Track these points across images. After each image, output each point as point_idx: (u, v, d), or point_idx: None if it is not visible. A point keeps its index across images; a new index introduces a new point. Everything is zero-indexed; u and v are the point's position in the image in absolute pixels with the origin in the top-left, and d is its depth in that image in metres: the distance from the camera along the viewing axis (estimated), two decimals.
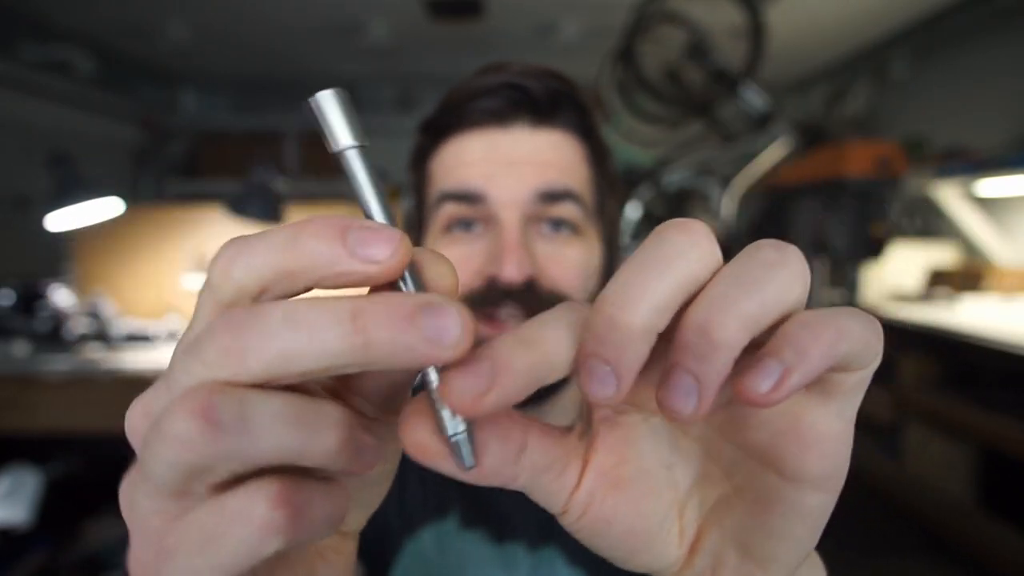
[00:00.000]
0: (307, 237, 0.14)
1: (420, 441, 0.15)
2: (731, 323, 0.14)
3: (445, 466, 0.15)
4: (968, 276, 1.90)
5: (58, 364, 1.56)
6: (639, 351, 0.14)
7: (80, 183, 1.39)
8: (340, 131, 0.15)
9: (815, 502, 0.16)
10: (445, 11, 2.26)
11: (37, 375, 1.54)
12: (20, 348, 1.63)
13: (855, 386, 0.16)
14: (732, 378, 0.14)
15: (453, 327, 0.13)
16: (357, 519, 0.21)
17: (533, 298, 0.44)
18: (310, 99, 0.15)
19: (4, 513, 1.37)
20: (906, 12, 2.23)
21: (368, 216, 0.15)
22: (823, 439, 0.15)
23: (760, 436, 0.16)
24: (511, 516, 0.49)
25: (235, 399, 0.13)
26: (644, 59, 1.58)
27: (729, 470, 0.18)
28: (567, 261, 0.45)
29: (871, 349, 0.15)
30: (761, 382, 0.14)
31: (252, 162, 1.73)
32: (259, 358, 0.13)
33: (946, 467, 1.58)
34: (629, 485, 0.18)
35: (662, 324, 0.14)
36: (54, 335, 1.70)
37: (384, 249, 0.13)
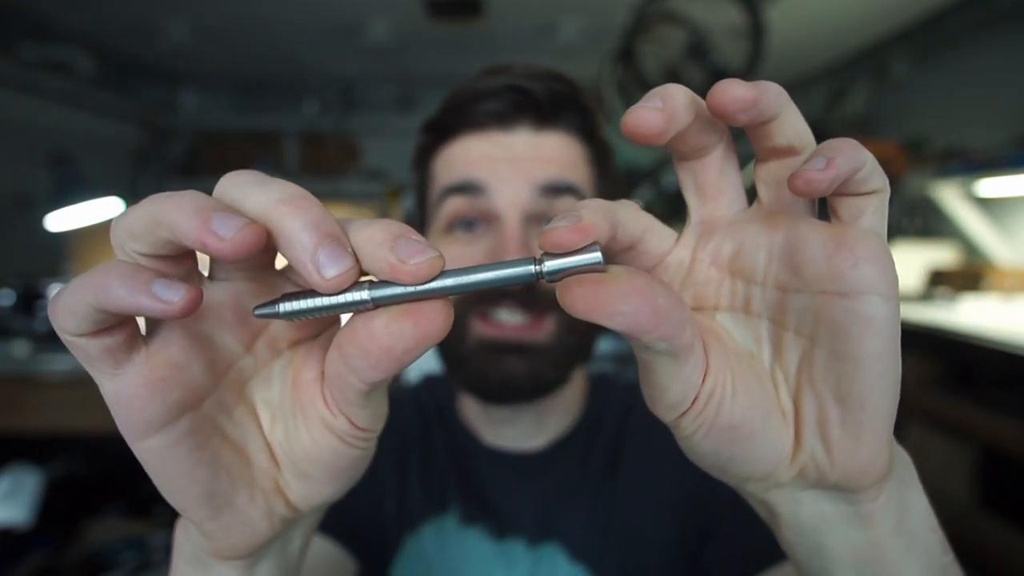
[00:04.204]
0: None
1: (587, 293, 0.16)
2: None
3: (628, 306, 0.16)
4: (968, 276, 1.90)
5: (58, 364, 1.56)
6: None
7: (80, 183, 1.39)
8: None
9: (881, 310, 0.17)
10: (445, 11, 2.26)
11: (37, 375, 1.54)
12: (20, 348, 1.62)
13: (877, 208, 0.19)
14: (789, 178, 0.18)
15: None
16: (303, 494, 0.22)
17: (534, 297, 0.44)
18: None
19: (4, 513, 1.36)
20: (906, 12, 2.23)
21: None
22: (868, 248, 0.18)
23: (817, 266, 0.18)
24: (511, 513, 0.49)
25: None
26: (644, 59, 1.58)
27: (799, 324, 0.19)
28: None
29: (880, 171, 0.18)
30: (815, 165, 0.17)
31: (252, 162, 1.73)
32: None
33: (946, 467, 1.57)
34: (740, 372, 0.19)
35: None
36: (54, 335, 1.69)
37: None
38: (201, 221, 0.16)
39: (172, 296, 0.16)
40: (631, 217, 0.20)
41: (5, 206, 2.25)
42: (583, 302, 0.16)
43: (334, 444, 0.20)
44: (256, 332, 0.21)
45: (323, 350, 0.21)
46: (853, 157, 0.17)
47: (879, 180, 0.18)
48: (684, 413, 0.19)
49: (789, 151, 0.19)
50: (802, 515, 0.20)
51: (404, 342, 0.17)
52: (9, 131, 2.27)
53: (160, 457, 0.18)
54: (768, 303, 0.20)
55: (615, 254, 0.21)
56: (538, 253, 0.18)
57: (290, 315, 0.18)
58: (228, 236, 0.16)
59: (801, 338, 0.19)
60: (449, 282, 0.18)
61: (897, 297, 0.18)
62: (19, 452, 1.51)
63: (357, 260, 0.17)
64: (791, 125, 0.19)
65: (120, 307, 0.16)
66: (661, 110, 0.18)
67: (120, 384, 0.17)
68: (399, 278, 0.17)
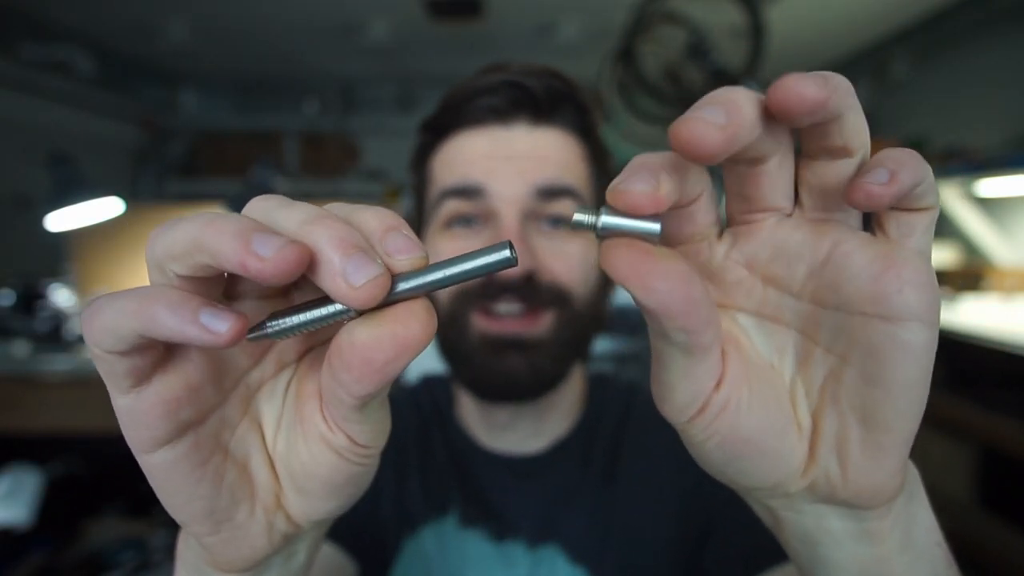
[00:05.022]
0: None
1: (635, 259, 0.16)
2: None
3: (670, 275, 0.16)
4: (968, 276, 1.90)
5: (58, 364, 1.56)
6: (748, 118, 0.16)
7: (80, 183, 1.39)
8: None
9: (922, 337, 0.17)
10: (445, 11, 2.26)
11: (37, 375, 1.54)
12: (20, 348, 1.62)
13: (928, 226, 0.18)
14: (847, 188, 0.17)
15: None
16: (303, 510, 0.21)
17: (533, 291, 0.44)
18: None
19: (4, 513, 1.36)
20: (906, 12, 2.23)
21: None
22: (916, 273, 0.17)
23: (860, 285, 0.17)
24: (510, 515, 0.49)
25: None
26: (644, 59, 1.58)
27: (831, 342, 0.18)
28: (567, 255, 0.45)
29: (935, 187, 0.17)
30: (877, 178, 0.16)
31: (252, 162, 1.74)
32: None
33: (946, 467, 1.57)
34: (756, 385, 0.19)
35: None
36: (54, 335, 1.70)
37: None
38: (242, 243, 0.15)
39: (220, 327, 0.16)
40: (695, 177, 0.18)
41: (5, 206, 2.25)
42: (626, 266, 0.16)
43: (332, 460, 0.20)
44: (267, 347, 0.21)
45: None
46: (915, 171, 0.16)
47: (934, 197, 0.17)
48: (692, 419, 0.18)
49: (843, 152, 0.17)
50: (807, 526, 0.20)
51: (384, 353, 0.16)
52: (9, 131, 2.27)
53: (164, 471, 0.18)
54: (800, 315, 0.19)
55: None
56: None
57: (279, 334, 0.18)
58: (269, 256, 0.15)
59: (831, 356, 0.18)
60: (429, 278, 0.17)
61: (938, 324, 0.17)
62: (19, 452, 1.51)
63: (387, 268, 0.17)
64: (852, 124, 0.17)
65: (166, 335, 0.16)
66: (724, 128, 0.15)
67: (134, 401, 0.17)
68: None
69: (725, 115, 0.15)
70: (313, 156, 3.24)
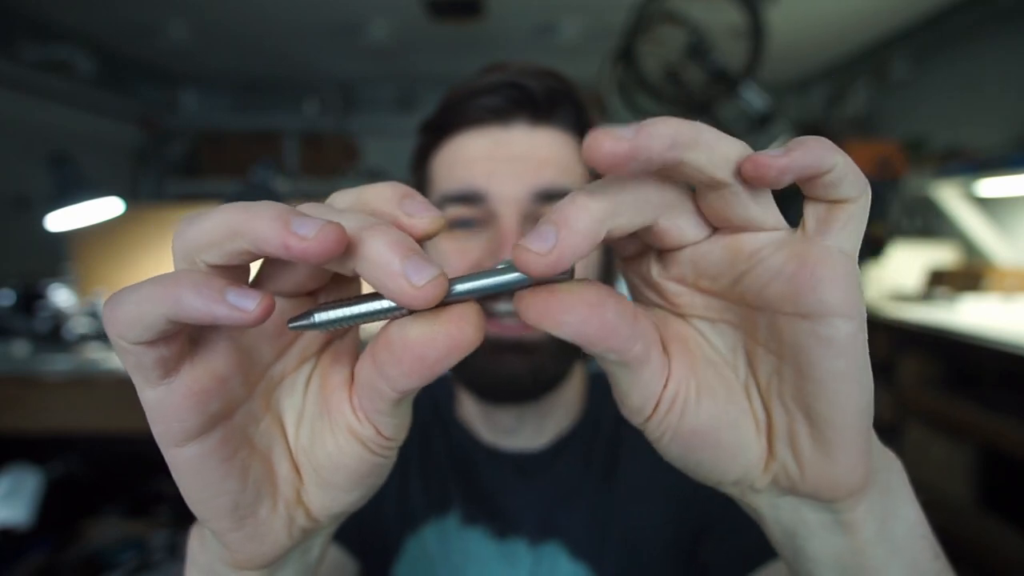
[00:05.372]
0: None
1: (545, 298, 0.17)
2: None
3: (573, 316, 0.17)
4: (968, 276, 1.90)
5: (58, 364, 1.56)
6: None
7: (80, 183, 1.39)
8: None
9: (843, 331, 0.17)
10: (445, 11, 2.26)
11: (37, 375, 1.54)
12: (20, 348, 1.62)
13: (848, 220, 0.17)
14: (741, 162, 0.17)
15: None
16: (324, 503, 0.21)
17: None
18: None
19: (4, 513, 1.36)
20: (906, 12, 2.23)
21: None
22: (830, 268, 0.17)
23: (779, 287, 0.17)
24: (512, 513, 0.50)
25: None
26: (644, 59, 1.58)
27: (768, 341, 0.19)
28: None
29: (857, 178, 0.17)
30: (770, 152, 0.16)
31: (252, 162, 1.74)
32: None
33: (946, 467, 1.57)
34: (705, 381, 0.19)
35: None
36: (54, 335, 1.70)
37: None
38: (282, 224, 0.16)
39: (248, 304, 0.16)
40: (627, 216, 0.18)
41: (5, 206, 2.25)
42: (533, 309, 0.17)
43: (358, 450, 0.20)
44: (290, 341, 0.21)
45: (350, 353, 0.22)
46: (817, 154, 0.16)
47: (852, 188, 0.17)
48: (648, 419, 0.19)
49: (715, 184, 0.17)
50: (782, 519, 0.20)
51: (437, 351, 0.17)
52: (9, 131, 2.28)
53: (193, 466, 0.18)
54: (741, 317, 0.19)
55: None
56: None
57: (325, 325, 0.18)
58: (311, 235, 0.16)
59: (771, 354, 0.19)
60: (482, 282, 0.18)
61: (861, 316, 0.17)
62: (19, 452, 1.51)
63: (444, 272, 0.17)
64: (705, 160, 0.17)
65: (194, 316, 0.16)
66: (545, 255, 0.16)
67: (164, 393, 0.17)
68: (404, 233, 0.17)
69: (554, 233, 0.16)
70: (313, 156, 3.24)
